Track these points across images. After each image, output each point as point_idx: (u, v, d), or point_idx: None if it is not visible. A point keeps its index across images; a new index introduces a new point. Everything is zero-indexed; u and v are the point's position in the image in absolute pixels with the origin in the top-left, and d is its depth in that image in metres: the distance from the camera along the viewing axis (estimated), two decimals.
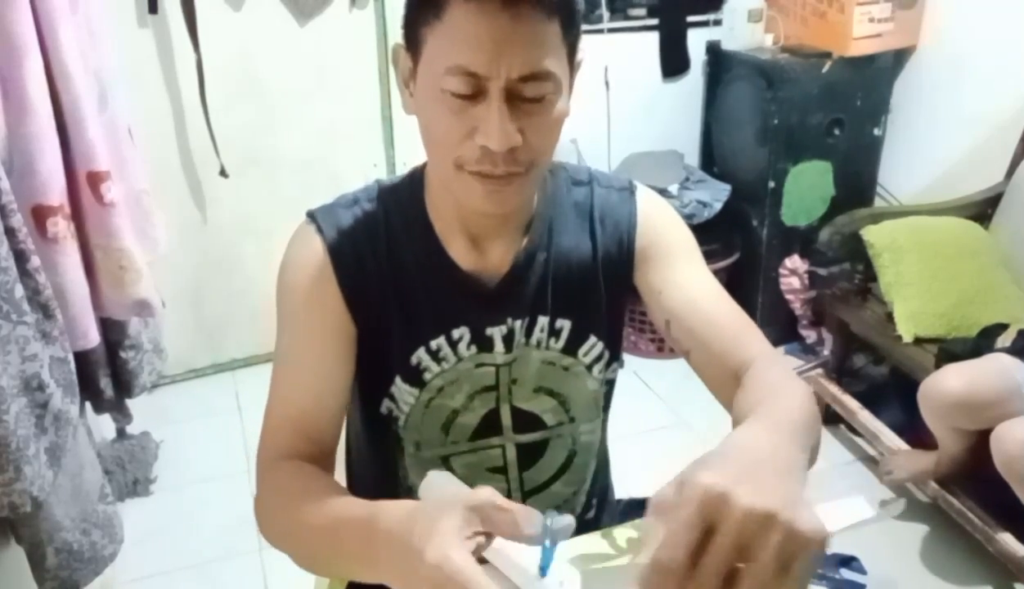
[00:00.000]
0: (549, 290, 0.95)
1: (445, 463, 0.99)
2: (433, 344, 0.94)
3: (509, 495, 1.00)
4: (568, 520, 0.62)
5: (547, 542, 0.61)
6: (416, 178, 0.95)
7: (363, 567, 0.68)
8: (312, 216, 0.93)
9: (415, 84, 0.82)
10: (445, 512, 0.60)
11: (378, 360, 0.94)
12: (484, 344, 0.94)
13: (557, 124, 0.81)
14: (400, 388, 0.95)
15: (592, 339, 0.98)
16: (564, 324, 0.96)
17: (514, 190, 0.82)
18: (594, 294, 0.97)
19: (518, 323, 0.94)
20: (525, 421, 1.00)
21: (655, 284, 0.96)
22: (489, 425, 0.98)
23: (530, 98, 0.77)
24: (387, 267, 0.92)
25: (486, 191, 0.81)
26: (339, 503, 0.74)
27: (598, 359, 0.99)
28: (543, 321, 0.95)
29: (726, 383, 0.89)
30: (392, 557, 0.62)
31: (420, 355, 0.94)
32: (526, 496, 1.02)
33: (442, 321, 0.93)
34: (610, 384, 1.04)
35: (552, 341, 0.97)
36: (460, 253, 0.92)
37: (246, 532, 2.11)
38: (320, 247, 0.90)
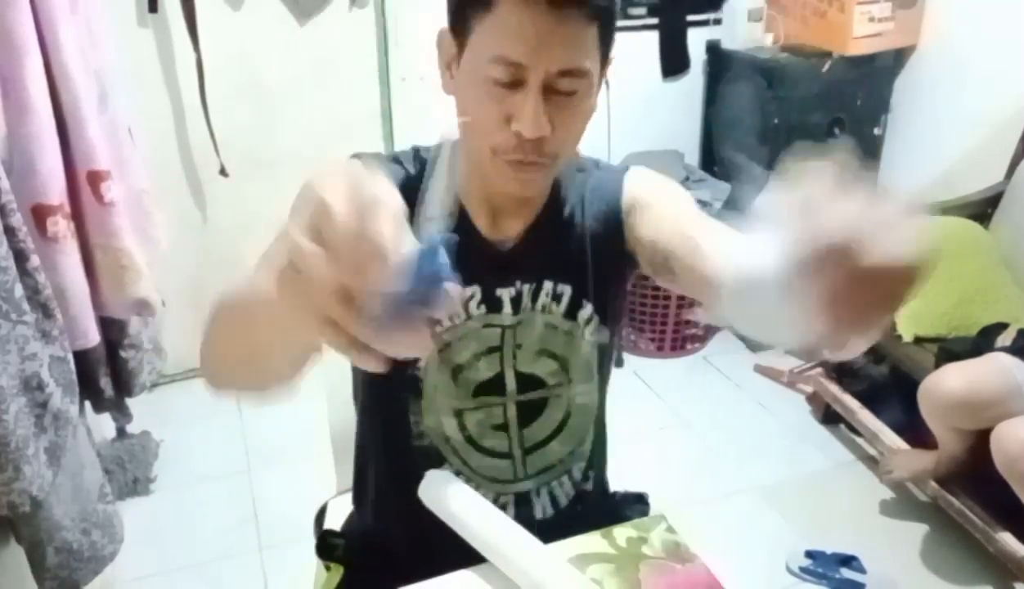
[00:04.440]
0: (553, 258, 1.01)
1: (458, 417, 1.02)
2: None
3: (510, 451, 1.05)
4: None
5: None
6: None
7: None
8: (357, 157, 0.97)
9: (458, 67, 0.88)
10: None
11: None
12: (493, 304, 1.00)
13: (584, 120, 0.89)
14: None
15: (586, 304, 1.04)
16: (565, 290, 1.02)
17: (540, 177, 0.90)
18: (583, 262, 1.03)
19: (526, 287, 1.00)
20: (527, 383, 1.04)
21: (647, 234, 0.96)
22: (494, 386, 1.03)
23: (564, 92, 0.83)
24: (415, 223, 0.94)
25: (514, 173, 0.88)
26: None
27: (588, 321, 1.04)
28: (548, 286, 1.01)
29: None
30: None
31: None
32: (526, 453, 1.06)
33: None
34: (601, 349, 1.07)
35: (555, 305, 1.02)
36: (480, 220, 0.99)
37: (246, 532, 2.12)
38: None
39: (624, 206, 1.02)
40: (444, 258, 0.48)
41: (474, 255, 0.97)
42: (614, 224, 1.02)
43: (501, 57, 0.81)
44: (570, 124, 0.86)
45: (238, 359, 0.72)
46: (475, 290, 0.99)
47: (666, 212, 0.97)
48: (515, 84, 0.82)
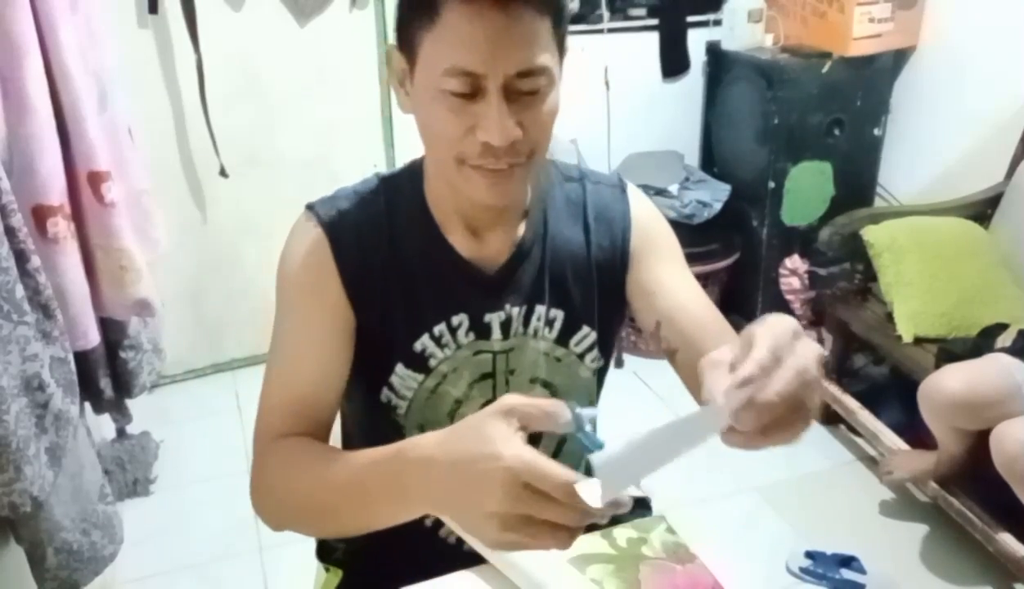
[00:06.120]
0: (546, 280, 0.98)
1: None
2: (436, 330, 0.95)
3: None
4: (593, 411, 0.66)
5: (579, 431, 0.64)
6: (415, 170, 0.97)
7: (392, 504, 0.71)
8: (311, 207, 0.94)
9: (412, 84, 0.84)
10: (486, 422, 0.64)
11: (379, 348, 0.95)
12: (482, 331, 0.96)
13: (552, 114, 0.84)
14: (402, 375, 0.96)
15: (585, 329, 1.01)
16: (557, 314, 0.99)
17: (515, 181, 0.85)
18: (587, 287, 1.00)
19: (515, 311, 0.97)
20: None
21: (647, 285, 0.99)
22: None
23: (526, 92, 0.80)
24: (389, 256, 0.93)
25: (488, 184, 0.83)
26: (356, 455, 0.77)
27: (590, 348, 1.02)
28: (540, 310, 0.98)
29: None
30: (431, 480, 0.66)
31: (424, 341, 0.95)
32: None
33: (443, 307, 0.95)
34: (599, 374, 1.06)
35: (547, 331, 0.99)
36: (460, 241, 0.94)
37: (246, 532, 2.12)
38: (320, 237, 0.92)
39: (634, 240, 1.00)
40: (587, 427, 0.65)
41: (457, 280, 0.94)
42: (621, 252, 1.00)
43: (454, 68, 0.77)
44: (539, 121, 0.82)
45: (319, 525, 0.84)
46: (462, 318, 0.95)
47: (671, 276, 0.99)
48: (474, 93, 0.78)
